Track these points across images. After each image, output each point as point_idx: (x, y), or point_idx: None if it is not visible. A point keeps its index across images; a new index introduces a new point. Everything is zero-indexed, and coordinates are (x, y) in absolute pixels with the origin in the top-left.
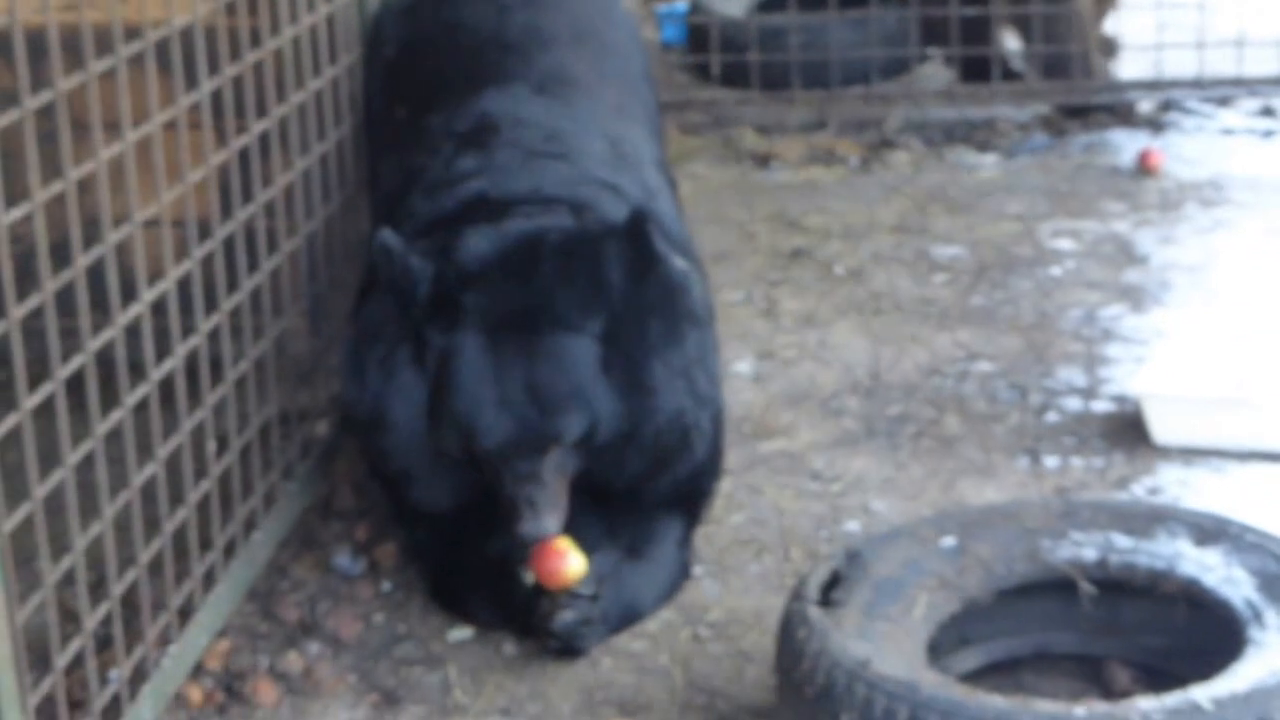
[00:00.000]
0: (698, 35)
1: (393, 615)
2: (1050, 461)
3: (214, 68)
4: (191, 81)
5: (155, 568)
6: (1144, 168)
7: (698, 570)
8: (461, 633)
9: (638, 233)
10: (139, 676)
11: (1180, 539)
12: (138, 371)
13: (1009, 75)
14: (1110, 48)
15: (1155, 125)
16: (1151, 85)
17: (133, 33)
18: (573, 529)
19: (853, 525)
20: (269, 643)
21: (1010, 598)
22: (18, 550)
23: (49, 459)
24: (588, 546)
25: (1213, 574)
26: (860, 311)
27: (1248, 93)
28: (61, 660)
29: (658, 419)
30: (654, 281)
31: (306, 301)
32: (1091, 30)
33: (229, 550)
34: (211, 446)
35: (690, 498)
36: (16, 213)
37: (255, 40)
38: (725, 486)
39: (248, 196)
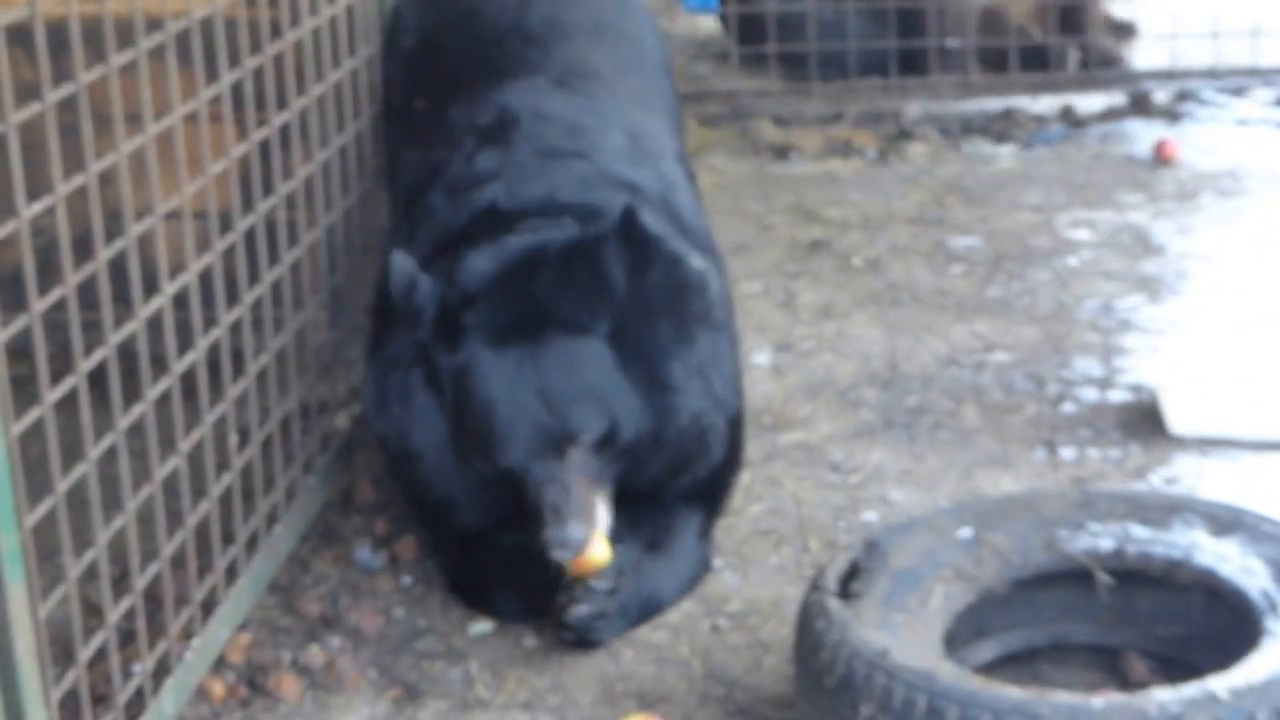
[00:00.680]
0: (748, 23)
1: (413, 609)
2: (1067, 452)
3: (234, 60)
4: (212, 74)
5: (178, 561)
6: (1160, 158)
7: (717, 562)
8: (482, 627)
9: (632, 228)
10: (161, 670)
11: (1196, 529)
12: (159, 364)
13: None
14: (1126, 31)
15: (1171, 115)
16: (1167, 75)
17: (154, 25)
18: None
19: (871, 516)
20: (290, 637)
21: (1027, 588)
22: (41, 544)
23: (71, 453)
24: (609, 539)
25: (1229, 564)
26: (878, 303)
27: (1263, 83)
28: (84, 654)
29: (680, 418)
30: (659, 277)
31: (326, 294)
32: (1094, 11)
33: (251, 544)
34: (233, 440)
35: (710, 492)
36: (38, 205)
37: (275, 32)
38: (744, 478)
39: (268, 189)
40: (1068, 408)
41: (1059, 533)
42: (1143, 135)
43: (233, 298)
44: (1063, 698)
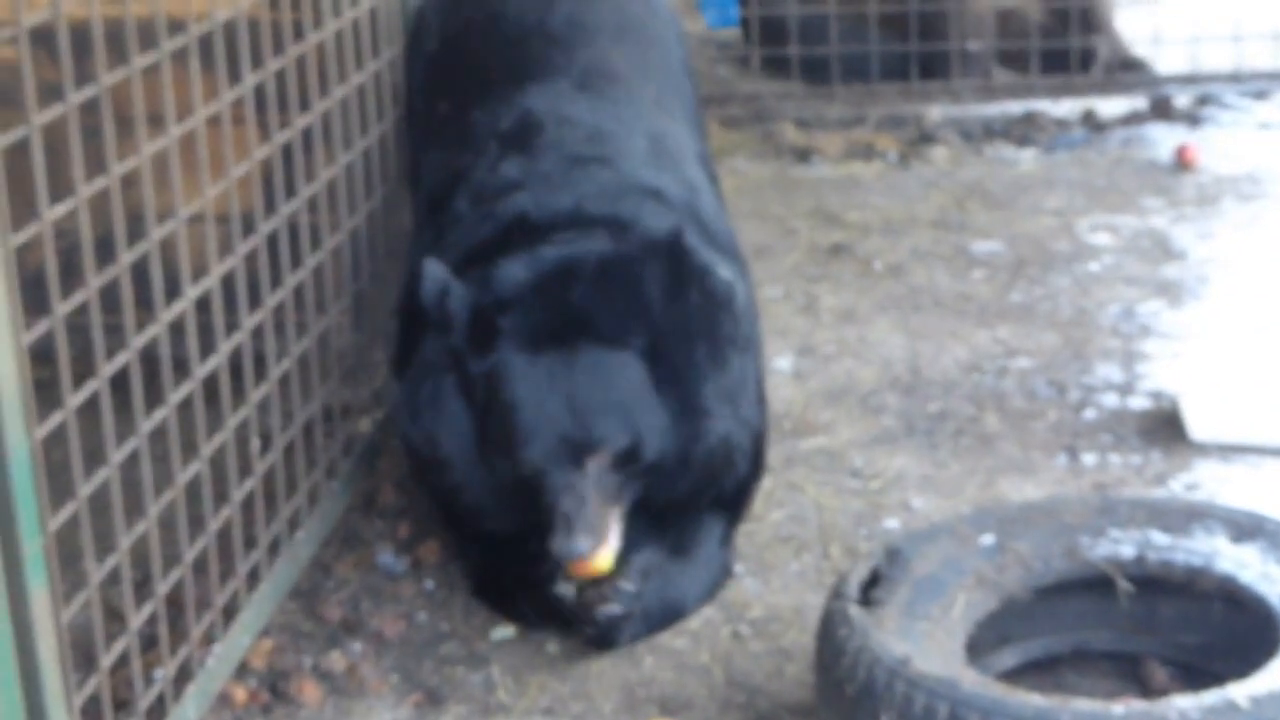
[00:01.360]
0: (769, 26)
1: (436, 614)
2: (1088, 458)
3: (257, 62)
4: (235, 76)
5: (199, 566)
6: (1181, 162)
7: (738, 568)
8: (504, 632)
9: (676, 251)
10: (183, 676)
11: (1217, 536)
12: (182, 368)
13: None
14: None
15: (1193, 119)
16: (1189, 79)
17: (176, 26)
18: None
19: (892, 523)
20: (312, 642)
21: (1049, 595)
22: (63, 549)
23: (94, 457)
24: (631, 546)
25: (1249, 571)
26: (899, 307)
27: None
28: (106, 659)
29: (709, 441)
30: (695, 299)
31: (349, 297)
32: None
33: (273, 549)
34: (255, 444)
35: (732, 500)
36: (60, 208)
37: (298, 34)
38: (765, 484)
39: (291, 191)
40: (1089, 414)
41: (1080, 540)
42: (1164, 139)
43: (255, 301)
44: (1084, 705)
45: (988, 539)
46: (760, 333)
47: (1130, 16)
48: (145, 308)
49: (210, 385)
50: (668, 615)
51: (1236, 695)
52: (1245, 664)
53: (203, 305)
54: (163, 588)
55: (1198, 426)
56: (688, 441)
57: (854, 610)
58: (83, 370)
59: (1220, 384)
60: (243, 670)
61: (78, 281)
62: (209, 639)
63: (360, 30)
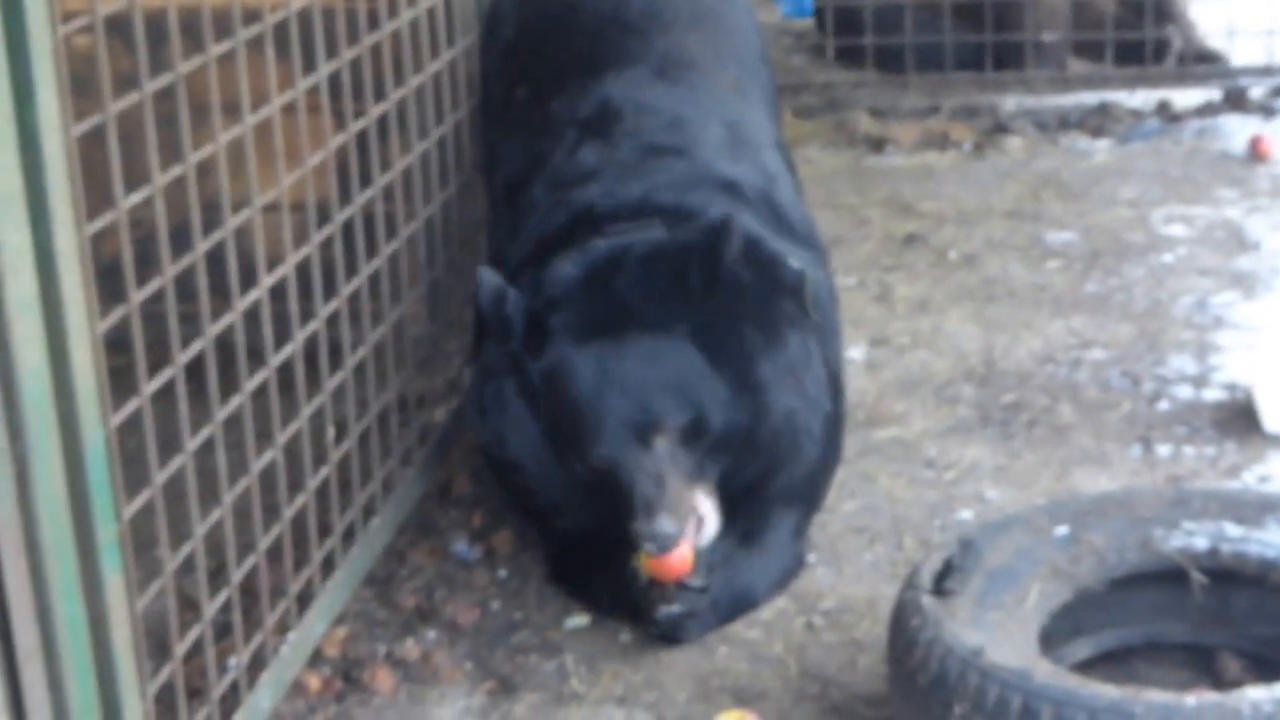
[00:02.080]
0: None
1: (509, 602)
2: (1162, 450)
3: (332, 50)
4: (310, 64)
5: (274, 554)
6: (1256, 154)
7: (811, 558)
8: (578, 620)
9: (721, 235)
10: (257, 664)
11: None
12: (257, 357)
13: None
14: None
15: (1267, 111)
16: (1264, 71)
17: (251, 15)
18: None
19: (966, 514)
20: (386, 630)
21: (1122, 587)
22: (137, 537)
23: (169, 445)
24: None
25: None
26: (974, 298)
27: None
28: (180, 648)
29: (773, 417)
30: (747, 280)
31: (424, 286)
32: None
33: (347, 537)
34: (330, 432)
35: (805, 489)
36: (136, 196)
37: (373, 22)
38: (839, 474)
39: (366, 180)
40: (1163, 405)
41: (1154, 531)
42: (1238, 131)
43: (330, 290)
44: (1157, 697)
45: (1061, 530)
46: (838, 321)
47: (1205, 8)
48: (221, 296)
49: (285, 373)
50: (738, 605)
51: None
52: None
53: (278, 294)
54: (237, 575)
55: (1272, 418)
56: (751, 418)
57: (927, 601)
58: (158, 358)
59: None
60: (317, 658)
61: (153, 270)
62: (283, 627)
63: (435, 18)
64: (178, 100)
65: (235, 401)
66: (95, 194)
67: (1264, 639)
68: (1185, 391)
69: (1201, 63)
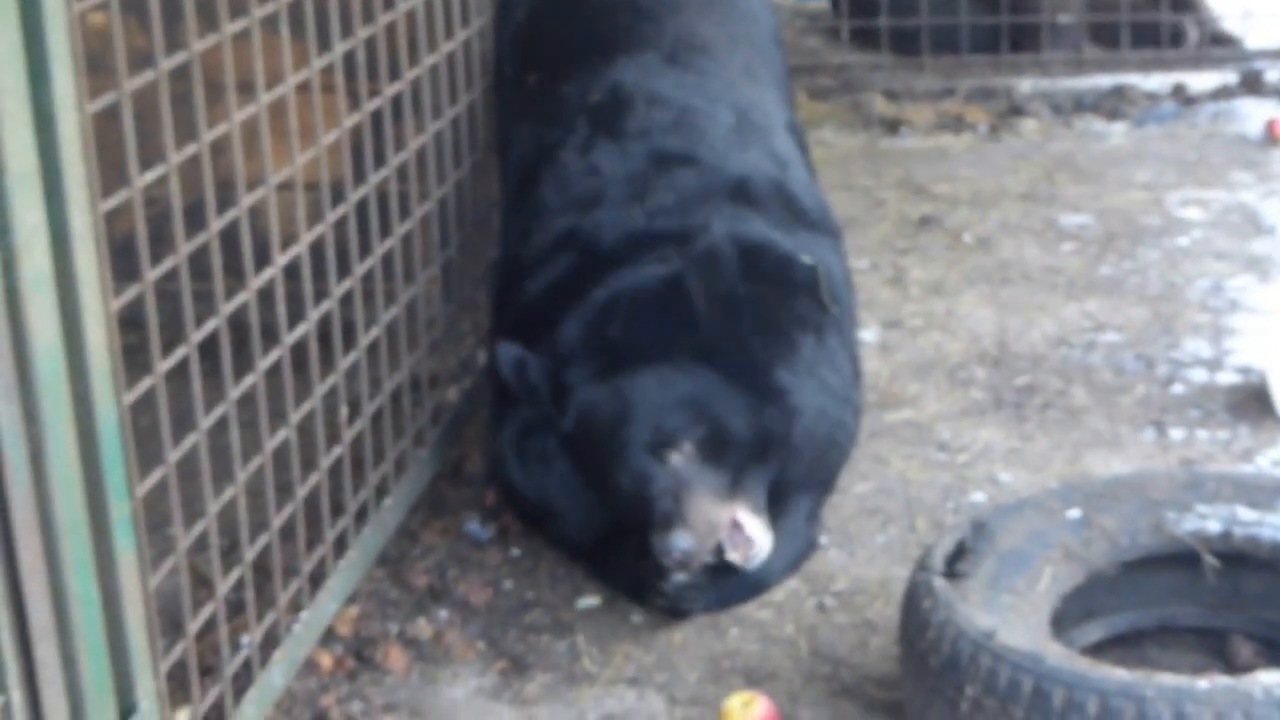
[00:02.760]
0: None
1: (521, 582)
2: (1176, 433)
3: (347, 30)
4: (324, 43)
5: (287, 533)
6: (1272, 137)
7: (823, 540)
8: (590, 600)
9: (716, 260)
10: (270, 642)
11: None
12: (270, 336)
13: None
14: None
15: None
16: (1279, 54)
17: None
18: None
19: (979, 496)
20: (399, 609)
21: (1134, 570)
22: (150, 515)
23: (182, 423)
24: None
25: None
26: (988, 281)
27: None
28: (193, 625)
29: (803, 419)
30: (752, 294)
31: (438, 266)
32: None
33: (360, 516)
34: (344, 412)
35: (822, 475)
36: (151, 174)
37: (388, 2)
38: (851, 456)
39: (380, 160)
40: (1177, 388)
41: (1167, 515)
42: (1254, 114)
43: (344, 269)
44: (1168, 680)
45: (1074, 513)
46: (854, 306)
47: None
48: (235, 275)
49: (299, 353)
50: (750, 587)
51: None
52: None
53: (292, 273)
54: (250, 554)
55: None
56: (782, 425)
57: (939, 583)
58: (172, 337)
59: None
60: (329, 637)
61: (168, 248)
62: (296, 606)
63: None
64: (192, 79)
65: (249, 380)
66: (110, 172)
67: (1276, 623)
68: (1199, 375)
69: (1217, 46)
